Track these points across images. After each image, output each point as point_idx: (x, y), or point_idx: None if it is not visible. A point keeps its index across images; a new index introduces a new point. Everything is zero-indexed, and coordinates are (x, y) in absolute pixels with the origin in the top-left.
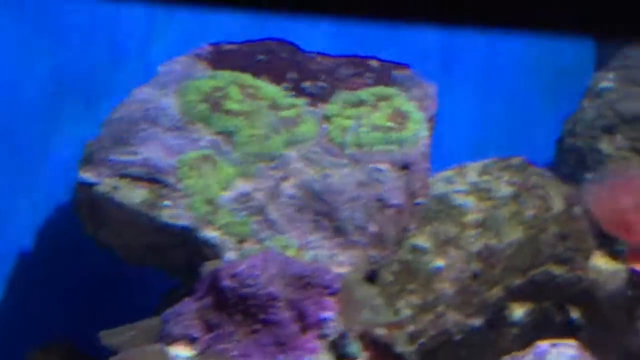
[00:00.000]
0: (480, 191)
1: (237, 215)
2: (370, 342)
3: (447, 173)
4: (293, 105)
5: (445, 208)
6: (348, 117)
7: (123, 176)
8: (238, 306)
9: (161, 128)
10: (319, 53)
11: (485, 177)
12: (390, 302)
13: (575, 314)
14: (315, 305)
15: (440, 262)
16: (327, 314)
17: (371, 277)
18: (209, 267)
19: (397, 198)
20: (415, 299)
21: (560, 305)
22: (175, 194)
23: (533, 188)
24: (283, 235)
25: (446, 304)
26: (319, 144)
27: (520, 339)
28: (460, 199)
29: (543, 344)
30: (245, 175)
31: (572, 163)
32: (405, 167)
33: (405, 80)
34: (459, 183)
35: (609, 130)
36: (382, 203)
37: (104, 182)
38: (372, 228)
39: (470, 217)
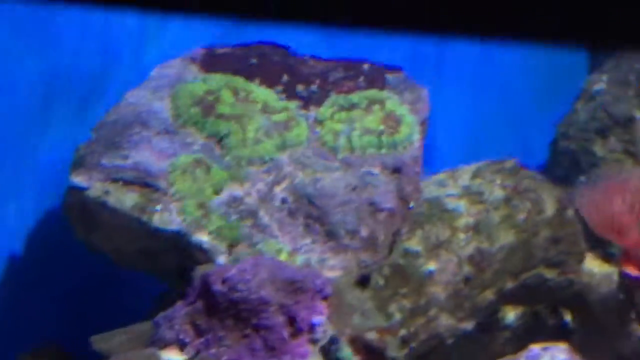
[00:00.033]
0: (472, 195)
1: (229, 220)
2: (362, 346)
3: (440, 176)
4: (285, 109)
5: (437, 212)
6: (340, 121)
7: (114, 180)
8: (229, 311)
9: (153, 132)
10: (311, 56)
11: (478, 181)
12: (382, 306)
13: (567, 317)
14: (307, 309)
15: (432, 266)
16: (318, 318)
17: (363, 281)
18: (200, 271)
19: (389, 202)
20: (407, 303)
21: (553, 308)
22: (166, 198)
23: (525, 191)
24: (275, 239)
25: (438, 308)
26: (311, 148)
27: (513, 343)
28: (452, 203)
29: (535, 348)
30: (237, 179)
31: (565, 166)
32: (397, 170)
33: (397, 83)
34: (451, 186)
35: (603, 132)
36: (374, 207)
37: (95, 186)
38: (364, 232)
39: (462, 221)
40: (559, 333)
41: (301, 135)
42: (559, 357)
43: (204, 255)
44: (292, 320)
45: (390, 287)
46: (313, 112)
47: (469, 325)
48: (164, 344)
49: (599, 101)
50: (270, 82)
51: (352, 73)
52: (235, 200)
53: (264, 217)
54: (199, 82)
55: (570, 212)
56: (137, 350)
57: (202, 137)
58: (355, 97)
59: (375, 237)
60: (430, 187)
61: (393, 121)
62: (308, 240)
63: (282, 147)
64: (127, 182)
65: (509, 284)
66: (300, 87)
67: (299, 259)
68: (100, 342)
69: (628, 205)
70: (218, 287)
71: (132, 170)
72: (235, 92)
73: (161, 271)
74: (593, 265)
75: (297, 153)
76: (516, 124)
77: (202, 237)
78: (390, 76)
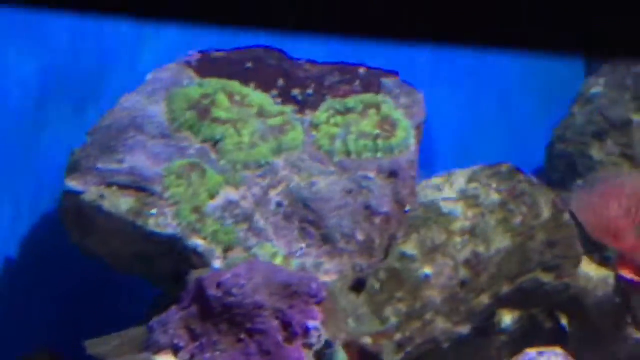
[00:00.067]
0: (468, 198)
1: (224, 224)
2: (357, 351)
3: (436, 180)
4: (281, 113)
5: (433, 215)
6: (336, 125)
7: (110, 184)
8: (223, 315)
9: (148, 136)
10: (307, 60)
11: (474, 185)
12: (377, 310)
13: (564, 321)
14: (301, 314)
15: (428, 270)
16: (313, 323)
17: (359, 285)
18: (195, 275)
19: (385, 206)
20: (402, 307)
21: (549, 312)
22: (162, 202)
23: (521, 195)
24: (270, 243)
25: (434, 312)
26: (306, 152)
27: (509, 347)
28: (448, 207)
29: (531, 352)
30: (233, 184)
31: (562, 169)
32: (393, 174)
33: (393, 87)
34: (447, 190)
35: (600, 136)
36: (369, 211)
37: (90, 190)
38: (360, 236)
39: (458, 225)
40: (556, 337)
41: (297, 139)
42: None
43: (200, 259)
44: (286, 325)
45: (386, 291)
46: (309, 116)
47: (465, 329)
48: (159, 349)
49: (596, 105)
50: (265, 86)
51: (347, 77)
52: (230, 205)
53: (260, 221)
54: (195, 86)
55: (566, 216)
56: (131, 354)
57: (198, 141)
58: (351, 101)
59: (371, 241)
60: (426, 191)
61: (389, 125)
62: (303, 245)
63: (278, 151)
64: (123, 187)
65: (505, 288)
66: (296, 91)
67: (295, 263)
68: (94, 346)
69: (624, 209)
70: (212, 291)
71: (127, 175)
72: (231, 96)
73: (156, 275)
74: (589, 269)
75: (292, 157)
76: (513, 128)
77: (198, 241)
78: (386, 80)
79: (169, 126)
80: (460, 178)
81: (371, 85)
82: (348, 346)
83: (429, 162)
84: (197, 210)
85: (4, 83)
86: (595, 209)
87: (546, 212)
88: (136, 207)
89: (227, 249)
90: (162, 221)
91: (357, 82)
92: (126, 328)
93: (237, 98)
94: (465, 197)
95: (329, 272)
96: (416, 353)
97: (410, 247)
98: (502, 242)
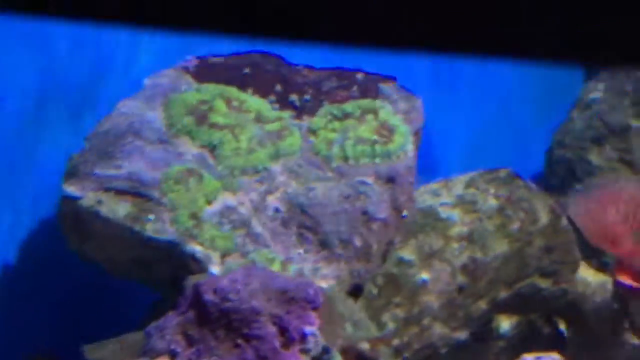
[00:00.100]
0: (466, 204)
1: (222, 229)
2: (354, 356)
3: (433, 186)
4: (279, 119)
5: (431, 221)
6: (334, 130)
7: (107, 190)
8: (220, 321)
9: (146, 141)
10: (305, 66)
11: (471, 190)
12: (375, 315)
13: (562, 326)
14: (298, 319)
15: (425, 275)
16: (310, 328)
17: (356, 291)
18: (192, 281)
19: (382, 212)
20: (400, 312)
21: (547, 317)
22: (159, 208)
23: (519, 201)
24: (268, 248)
25: (432, 317)
26: (304, 157)
27: (507, 352)
28: (446, 212)
29: (529, 357)
30: (230, 189)
31: (561, 174)
32: (390, 180)
33: (391, 92)
34: (445, 196)
35: (599, 141)
36: (367, 217)
37: (88, 195)
38: (357, 242)
39: (456, 230)
40: (554, 342)
41: (294, 145)
42: None
43: (197, 264)
44: (283, 330)
45: (384, 297)
46: (306, 121)
47: (462, 334)
48: (156, 354)
49: (594, 110)
50: (263, 91)
51: (345, 82)
52: (228, 210)
53: (257, 226)
54: (192, 92)
55: (564, 222)
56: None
57: (195, 147)
58: (348, 106)
59: (369, 246)
60: (424, 197)
61: (387, 131)
62: (301, 250)
63: (275, 156)
64: (120, 192)
65: (503, 294)
66: (293, 97)
67: (292, 269)
68: (92, 351)
69: (622, 214)
70: (209, 297)
71: (125, 180)
72: (229, 101)
73: (154, 281)
74: (587, 275)
75: (290, 162)
76: (513, 133)
77: (195, 247)
78: (383, 86)
79: (166, 131)
80: (458, 183)
81: (369, 90)
82: (345, 352)
83: (429, 168)
84: (194, 215)
85: (1, 89)
86: (593, 215)
87: (544, 218)
88: (134, 212)
89: (224, 255)
90: (160, 226)
91: (355, 88)
92: (124, 333)
93: (235, 103)
94: (463, 202)
95: (327, 278)
96: (414, 358)
97: (407, 253)
98: (499, 247)
